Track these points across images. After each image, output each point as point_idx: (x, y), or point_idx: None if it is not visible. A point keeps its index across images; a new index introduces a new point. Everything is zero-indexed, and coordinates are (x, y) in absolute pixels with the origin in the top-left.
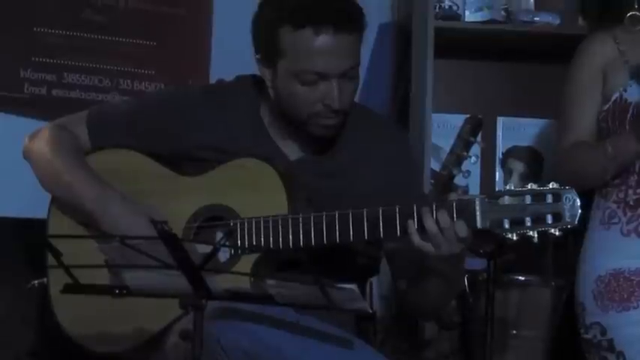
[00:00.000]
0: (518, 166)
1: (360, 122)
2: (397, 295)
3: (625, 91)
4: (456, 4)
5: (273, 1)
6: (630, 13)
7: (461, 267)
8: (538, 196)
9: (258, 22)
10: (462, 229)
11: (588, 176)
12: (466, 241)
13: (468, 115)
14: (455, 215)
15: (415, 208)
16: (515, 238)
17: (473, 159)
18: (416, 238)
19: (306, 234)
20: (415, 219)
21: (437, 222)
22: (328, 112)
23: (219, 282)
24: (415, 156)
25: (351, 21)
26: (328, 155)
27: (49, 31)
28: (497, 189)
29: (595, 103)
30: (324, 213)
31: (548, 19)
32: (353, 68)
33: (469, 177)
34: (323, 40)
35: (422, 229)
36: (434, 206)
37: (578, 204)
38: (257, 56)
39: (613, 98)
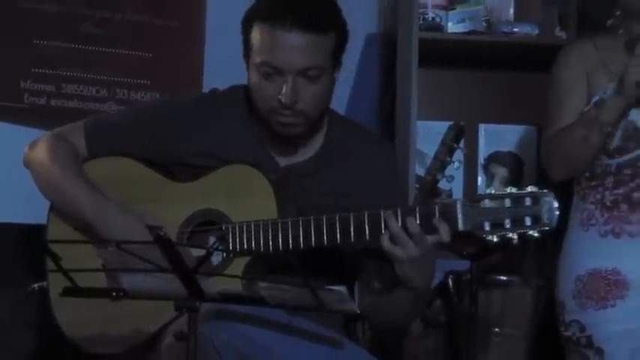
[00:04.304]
0: (499, 171)
1: (349, 133)
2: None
3: (605, 93)
4: (439, 16)
5: (255, 3)
6: (610, 20)
7: (430, 274)
8: (517, 200)
9: (241, 22)
10: (444, 230)
11: (575, 153)
12: (445, 243)
13: (451, 122)
14: (418, 219)
15: (382, 213)
16: (495, 239)
17: (456, 164)
18: (386, 242)
19: (295, 237)
20: (383, 225)
21: (404, 226)
22: (281, 109)
23: (212, 284)
24: (400, 165)
25: (317, 21)
26: (316, 162)
27: (49, 43)
28: (478, 193)
29: (580, 101)
30: (312, 217)
31: (527, 30)
32: (314, 69)
33: (452, 181)
34: (281, 34)
35: (391, 234)
36: (400, 211)
37: (556, 207)
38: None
39: (593, 101)
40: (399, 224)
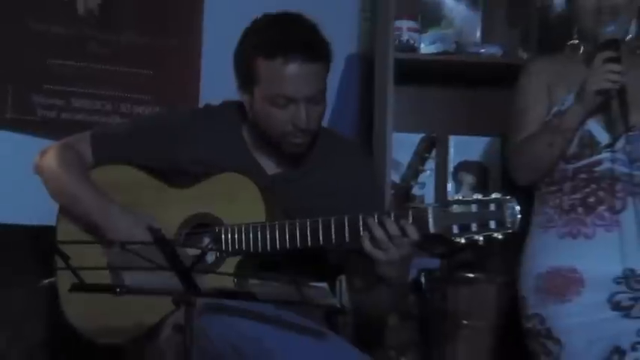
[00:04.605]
0: (467, 178)
1: (331, 144)
2: (355, 292)
3: (563, 105)
4: (413, 38)
5: (250, 35)
6: (570, 42)
7: (406, 272)
8: (483, 205)
9: (237, 53)
10: (413, 232)
11: (540, 157)
12: (416, 243)
13: (423, 135)
14: (400, 221)
15: (361, 218)
16: (463, 241)
17: (428, 172)
18: (367, 246)
19: (282, 239)
20: (364, 228)
21: (385, 230)
22: (297, 132)
23: (207, 281)
24: (377, 173)
25: (317, 52)
26: (300, 171)
27: (59, 62)
28: (448, 198)
29: (542, 111)
30: (297, 221)
31: (492, 51)
32: (319, 93)
33: (425, 188)
34: (292, 68)
35: (372, 237)
36: (378, 216)
37: (518, 211)
38: (238, 85)
39: (553, 111)
40: (380, 228)
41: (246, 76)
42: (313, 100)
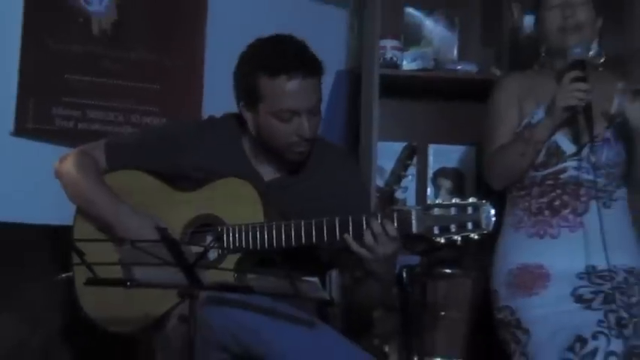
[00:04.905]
0: (445, 183)
1: (322, 152)
2: (348, 286)
3: (532, 117)
4: (396, 56)
5: (250, 58)
6: (538, 59)
7: (393, 268)
8: (461, 208)
9: (239, 75)
10: (392, 230)
11: (513, 165)
12: (396, 240)
13: (405, 143)
14: (385, 222)
15: (350, 219)
16: (443, 241)
17: (409, 178)
18: (354, 245)
19: (278, 238)
20: (351, 229)
21: (371, 230)
22: (301, 141)
23: (209, 276)
24: (364, 178)
25: (313, 68)
26: (294, 177)
27: (75, 77)
28: (428, 202)
29: (513, 123)
30: (292, 221)
31: (468, 68)
32: (317, 104)
33: (407, 192)
34: (294, 84)
35: (359, 237)
36: (366, 218)
37: (492, 214)
38: (240, 103)
39: (524, 123)
40: (367, 229)
41: (250, 95)
42: (313, 111)
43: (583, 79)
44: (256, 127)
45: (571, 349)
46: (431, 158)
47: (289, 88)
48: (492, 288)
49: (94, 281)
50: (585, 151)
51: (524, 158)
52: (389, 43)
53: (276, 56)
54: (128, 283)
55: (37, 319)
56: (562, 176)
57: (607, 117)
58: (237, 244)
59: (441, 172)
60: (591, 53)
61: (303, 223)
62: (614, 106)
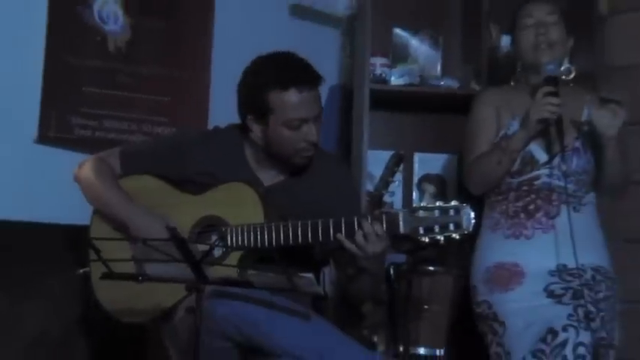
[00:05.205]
0: (429, 188)
1: (318, 159)
2: (342, 281)
3: (508, 129)
4: (385, 72)
5: (256, 72)
6: (514, 75)
7: (382, 265)
8: (444, 211)
9: (245, 91)
10: (381, 230)
11: (491, 173)
12: (385, 239)
13: (393, 152)
14: (374, 224)
15: (343, 221)
16: (427, 240)
17: (397, 183)
18: (347, 243)
19: (277, 237)
20: (344, 229)
21: (362, 230)
22: (309, 146)
23: (214, 272)
24: (355, 183)
25: (316, 79)
26: (293, 181)
27: (92, 90)
28: (414, 205)
29: (491, 133)
30: (290, 222)
31: (450, 83)
32: (321, 112)
33: (394, 196)
34: (303, 95)
35: (351, 236)
36: (357, 219)
37: (472, 216)
38: (248, 117)
39: (500, 134)
40: (359, 230)
41: (259, 109)
42: (318, 118)
43: (555, 94)
44: (265, 137)
45: (543, 340)
46: (416, 165)
47: (299, 99)
48: (471, 284)
49: (109, 276)
50: (557, 160)
51: (500, 166)
52: (378, 61)
53: (284, 71)
54: (140, 278)
55: (57, 310)
56: (536, 183)
57: (576, 125)
58: (239, 243)
59: (425, 178)
60: (562, 69)
61: (300, 224)
62: (583, 116)
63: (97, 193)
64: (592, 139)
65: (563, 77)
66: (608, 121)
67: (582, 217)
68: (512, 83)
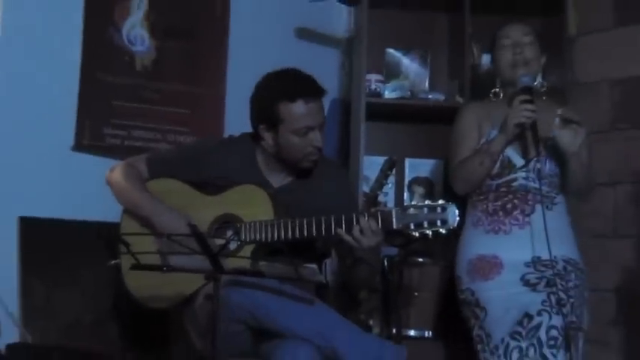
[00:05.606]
0: (418, 190)
1: (321, 164)
2: (342, 270)
3: (489, 137)
4: (379, 87)
5: (267, 86)
6: (493, 90)
7: (378, 256)
8: (432, 209)
9: (257, 103)
10: (375, 226)
11: (474, 173)
12: (379, 234)
13: (386, 157)
14: (370, 220)
15: (343, 217)
16: (417, 235)
17: (389, 185)
18: (346, 237)
19: (286, 232)
20: (344, 225)
21: (360, 226)
22: (315, 151)
23: (229, 263)
24: (353, 185)
25: (321, 92)
26: (299, 183)
27: (123, 104)
28: (405, 204)
29: (473, 141)
30: (297, 219)
31: (437, 97)
32: (325, 119)
33: (387, 196)
34: (310, 105)
35: (350, 231)
36: (356, 216)
37: (457, 213)
38: (260, 126)
39: (481, 142)
40: (357, 225)
41: (270, 119)
42: (323, 125)
43: (531, 101)
44: (276, 144)
45: (520, 323)
46: (407, 169)
47: (305, 109)
48: (456, 274)
49: (137, 267)
50: (532, 164)
51: (482, 167)
52: (373, 77)
53: (291, 85)
54: (165, 268)
55: (90, 298)
56: (513, 184)
57: (543, 140)
58: (252, 238)
59: (415, 181)
60: (536, 83)
61: (305, 221)
62: (555, 126)
63: (126, 194)
64: (556, 153)
65: (537, 90)
66: (569, 139)
67: (555, 215)
68: (491, 97)
